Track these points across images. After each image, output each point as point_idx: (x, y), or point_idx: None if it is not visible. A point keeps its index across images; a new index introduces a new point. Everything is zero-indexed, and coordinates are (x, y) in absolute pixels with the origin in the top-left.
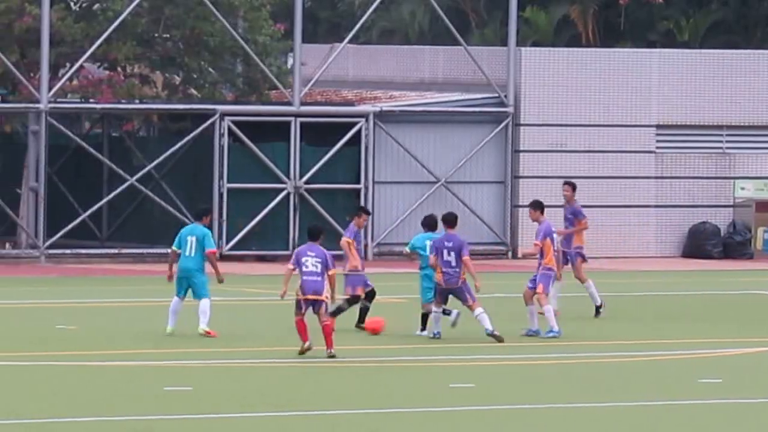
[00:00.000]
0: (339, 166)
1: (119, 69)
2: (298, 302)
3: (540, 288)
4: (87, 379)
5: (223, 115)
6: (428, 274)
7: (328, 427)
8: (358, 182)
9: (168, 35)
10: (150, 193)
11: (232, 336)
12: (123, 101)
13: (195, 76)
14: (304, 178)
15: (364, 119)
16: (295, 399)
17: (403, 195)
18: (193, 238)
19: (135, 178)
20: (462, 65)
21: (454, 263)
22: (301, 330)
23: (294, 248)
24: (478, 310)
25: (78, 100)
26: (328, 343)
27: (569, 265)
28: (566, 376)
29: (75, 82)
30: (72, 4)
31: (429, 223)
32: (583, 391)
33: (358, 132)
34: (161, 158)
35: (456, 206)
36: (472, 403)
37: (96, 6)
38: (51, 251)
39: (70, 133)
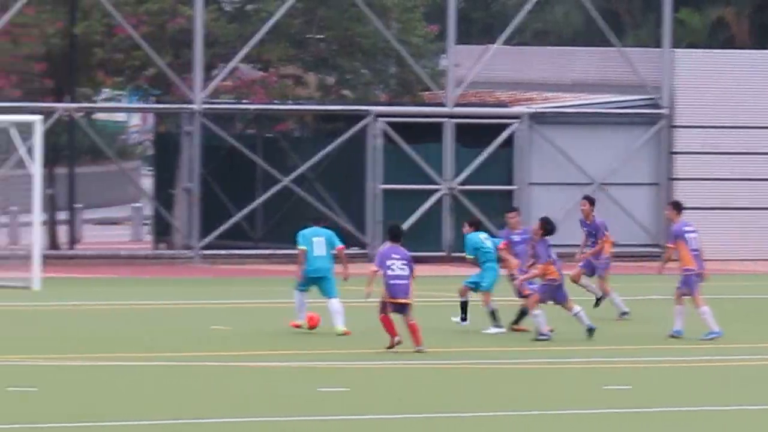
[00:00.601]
0: (493, 168)
1: (272, 70)
2: (384, 304)
3: (685, 291)
4: (242, 380)
5: (377, 116)
6: (492, 266)
7: (484, 429)
8: (512, 184)
9: (321, 36)
10: (304, 194)
11: (384, 337)
12: (276, 102)
13: (348, 77)
14: (458, 180)
15: (518, 120)
16: (449, 401)
17: (557, 197)
18: (321, 239)
19: (289, 179)
20: (615, 67)
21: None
22: (389, 325)
23: (449, 250)
24: (577, 308)
25: (231, 101)
26: (418, 341)
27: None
28: (723, 378)
29: (228, 82)
30: (225, 5)
31: (476, 222)
32: (742, 394)
33: (512, 133)
34: (315, 159)
35: (610, 208)
36: (625, 406)
37: (249, 7)
38: (205, 252)
39: (223, 134)
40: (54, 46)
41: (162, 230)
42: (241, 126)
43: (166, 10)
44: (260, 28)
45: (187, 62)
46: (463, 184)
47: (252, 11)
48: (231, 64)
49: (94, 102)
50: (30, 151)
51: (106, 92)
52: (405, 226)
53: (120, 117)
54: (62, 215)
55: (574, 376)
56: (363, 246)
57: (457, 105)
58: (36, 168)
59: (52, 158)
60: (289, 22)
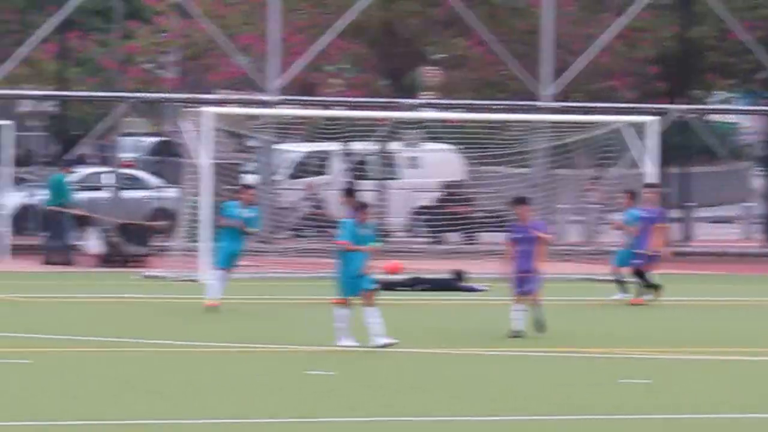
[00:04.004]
0: None
1: None
2: None
3: None
4: None
5: None
6: None
7: None
8: None
9: None
10: None
11: None
12: None
13: None
14: None
15: None
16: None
17: None
18: None
19: None
20: None
21: None
22: None
23: None
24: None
25: None
26: None
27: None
28: None
29: None
30: None
31: None
32: None
33: None
34: None
35: None
36: None
37: None
38: None
39: None
40: (668, 49)
41: None
42: None
43: None
44: None
45: None
46: None
47: None
48: None
49: (706, 104)
50: (644, 150)
51: (719, 94)
52: None
53: (732, 118)
54: (676, 213)
55: None
56: None
57: None
58: (651, 167)
59: (665, 158)
60: None
